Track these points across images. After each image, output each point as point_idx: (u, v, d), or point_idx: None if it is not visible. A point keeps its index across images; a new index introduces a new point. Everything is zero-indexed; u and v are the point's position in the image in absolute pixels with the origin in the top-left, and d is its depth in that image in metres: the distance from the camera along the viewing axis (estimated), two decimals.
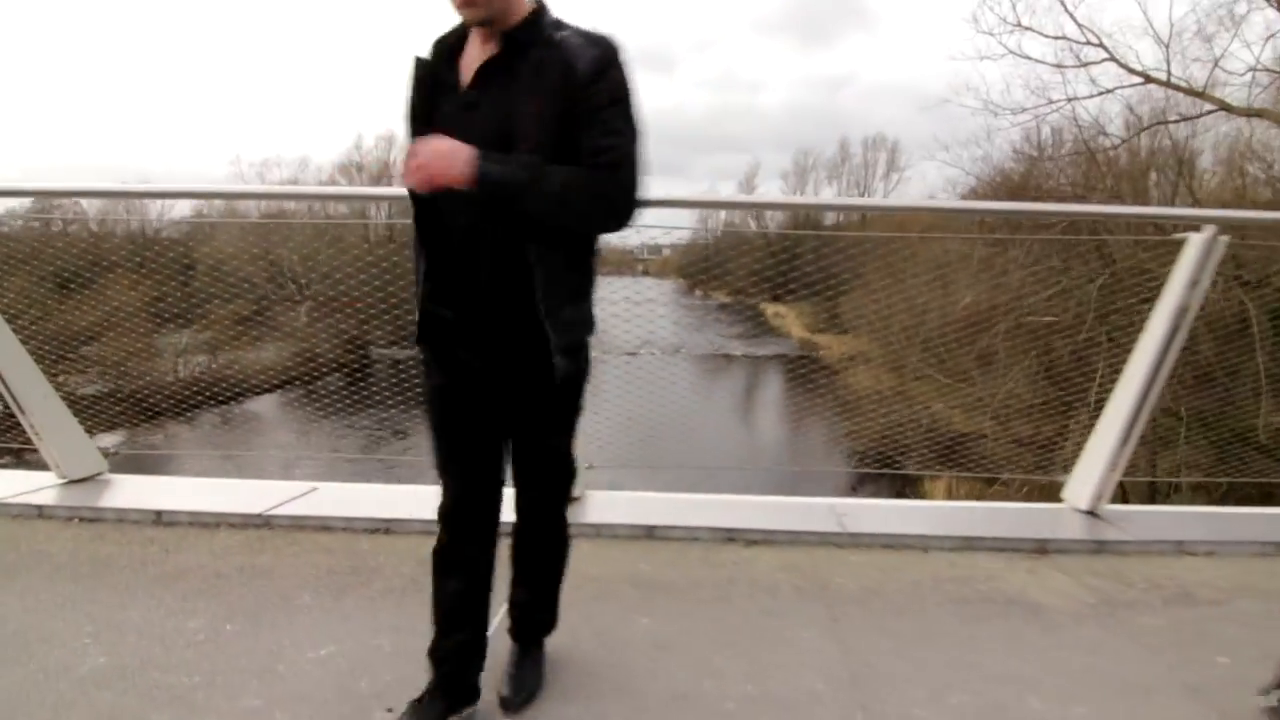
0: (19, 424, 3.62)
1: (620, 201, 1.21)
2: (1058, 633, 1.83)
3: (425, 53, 1.29)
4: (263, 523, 2.37)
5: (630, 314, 3.82)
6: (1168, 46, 10.62)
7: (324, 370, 5.96)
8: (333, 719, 1.45)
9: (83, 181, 2.82)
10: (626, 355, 3.68)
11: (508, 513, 1.46)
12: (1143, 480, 6.44)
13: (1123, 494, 3.99)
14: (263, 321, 7.53)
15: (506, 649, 1.57)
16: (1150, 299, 2.38)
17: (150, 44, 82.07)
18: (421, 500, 2.47)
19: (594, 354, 1.43)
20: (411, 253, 1.32)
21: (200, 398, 6.03)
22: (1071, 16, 11.36)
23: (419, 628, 1.76)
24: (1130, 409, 2.34)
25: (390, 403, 4.13)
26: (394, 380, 4.08)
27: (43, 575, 2.04)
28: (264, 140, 78.74)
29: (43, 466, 2.58)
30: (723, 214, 16.06)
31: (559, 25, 1.21)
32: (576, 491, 2.61)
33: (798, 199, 19.43)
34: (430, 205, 1.23)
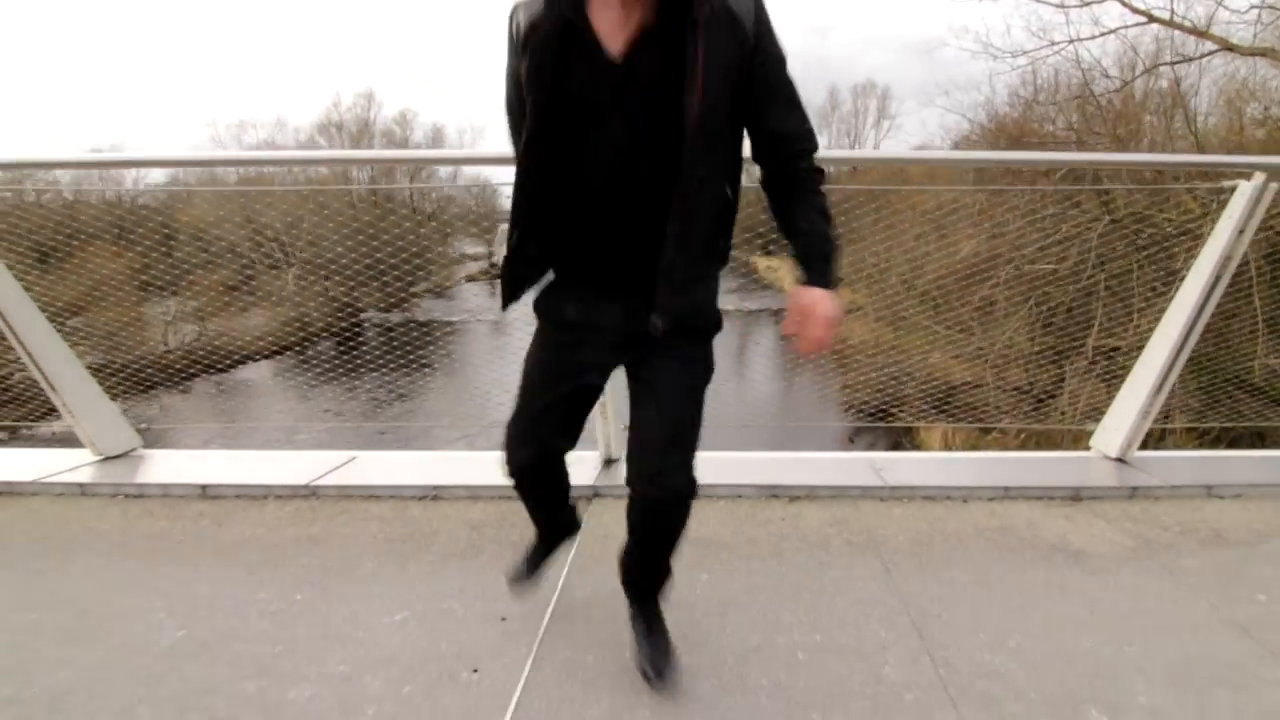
0: (10, 402, 3.57)
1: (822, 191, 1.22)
2: (1101, 576, 1.90)
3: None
4: (310, 493, 2.38)
5: None
6: None
7: (317, 336, 5.91)
8: (421, 680, 1.48)
9: (54, 153, 2.64)
10: None
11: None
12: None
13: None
14: (250, 290, 7.41)
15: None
16: (1147, 247, 2.39)
17: (111, 6, 77.62)
18: (468, 466, 2.50)
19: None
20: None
21: (195, 368, 5.98)
22: None
23: (486, 592, 1.81)
24: (1168, 356, 2.37)
25: (392, 366, 4.14)
26: (386, 344, 4.08)
27: (100, 553, 2.04)
28: (237, 102, 75.43)
29: (46, 443, 2.52)
30: None
31: None
32: (615, 453, 2.64)
33: None
34: (547, 166, 1.15)
